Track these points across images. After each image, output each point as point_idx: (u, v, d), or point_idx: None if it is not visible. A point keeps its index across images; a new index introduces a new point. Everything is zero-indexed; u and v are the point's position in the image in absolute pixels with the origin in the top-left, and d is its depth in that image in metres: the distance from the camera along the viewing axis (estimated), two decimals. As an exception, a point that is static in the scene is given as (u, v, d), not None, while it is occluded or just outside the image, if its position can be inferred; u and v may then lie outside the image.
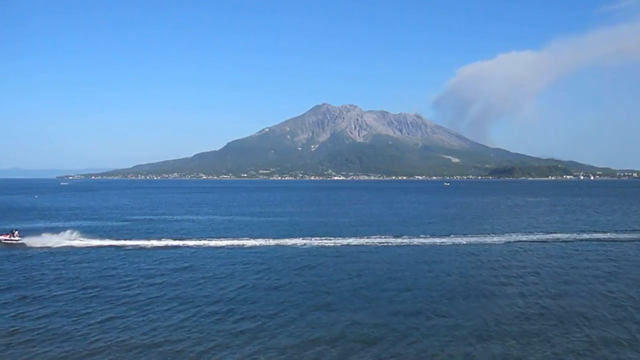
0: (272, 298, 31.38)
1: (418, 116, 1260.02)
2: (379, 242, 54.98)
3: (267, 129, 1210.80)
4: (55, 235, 55.82)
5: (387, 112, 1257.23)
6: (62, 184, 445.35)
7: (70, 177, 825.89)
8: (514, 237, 59.25)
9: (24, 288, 34.07)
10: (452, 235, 60.64)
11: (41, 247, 51.73)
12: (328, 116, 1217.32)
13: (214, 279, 36.84)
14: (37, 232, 59.43)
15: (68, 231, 58.04)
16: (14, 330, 25.08)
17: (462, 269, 40.44)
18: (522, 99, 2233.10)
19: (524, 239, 58.40)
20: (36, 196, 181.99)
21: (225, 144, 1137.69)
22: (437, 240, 56.76)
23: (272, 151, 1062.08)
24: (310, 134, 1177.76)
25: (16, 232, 56.22)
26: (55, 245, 52.62)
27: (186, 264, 42.50)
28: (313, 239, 57.62)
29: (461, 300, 30.66)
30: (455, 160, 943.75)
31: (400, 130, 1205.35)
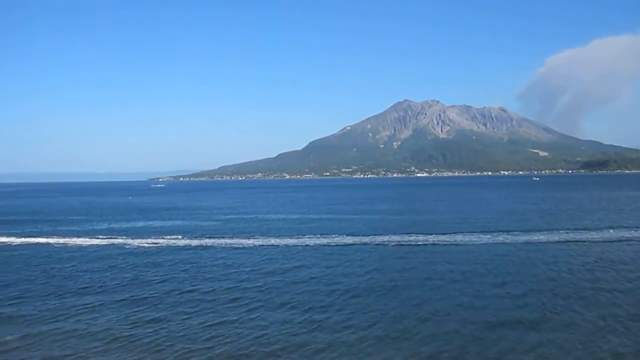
0: (372, 301, 30.54)
1: (503, 109, 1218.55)
2: (475, 240, 52.92)
3: (348, 127, 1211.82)
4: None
5: (470, 107, 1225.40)
6: (152, 186, 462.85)
7: (160, 179, 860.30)
8: (622, 234, 55.53)
9: (140, 286, 35.16)
10: (557, 231, 57.51)
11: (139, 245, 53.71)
12: (410, 112, 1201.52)
13: (319, 279, 36.21)
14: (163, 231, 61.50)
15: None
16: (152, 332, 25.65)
17: (589, 269, 38.05)
18: (618, 87, 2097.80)
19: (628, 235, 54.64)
20: (130, 197, 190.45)
21: (307, 143, 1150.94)
22: (540, 237, 53.93)
23: (354, 149, 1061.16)
24: (392, 131, 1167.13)
25: None
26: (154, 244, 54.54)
27: (289, 263, 42.31)
28: (406, 235, 56.44)
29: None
30: (543, 153, 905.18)
31: (485, 125, 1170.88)
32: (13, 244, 57.62)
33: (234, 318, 26.64)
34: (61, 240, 59.29)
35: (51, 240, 59.36)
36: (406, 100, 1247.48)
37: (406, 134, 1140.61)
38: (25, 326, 25.85)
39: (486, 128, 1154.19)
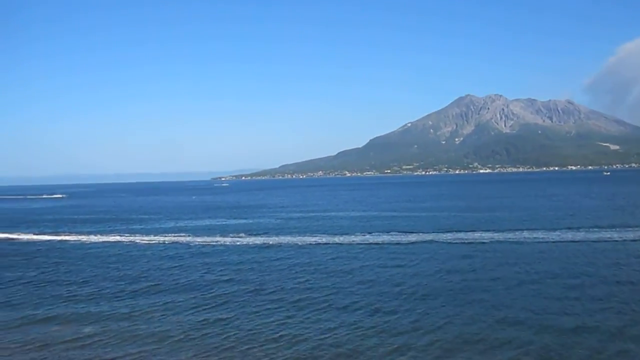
0: (441, 302, 29.68)
1: (570, 102, 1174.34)
2: (543, 237, 50.83)
3: (409, 124, 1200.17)
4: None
5: (534, 100, 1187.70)
6: (216, 185, 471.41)
7: (223, 179, 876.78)
8: None
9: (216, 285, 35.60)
10: (633, 229, 54.45)
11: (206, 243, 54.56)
12: (472, 107, 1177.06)
13: (385, 278, 35.66)
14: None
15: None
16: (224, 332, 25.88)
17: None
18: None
19: None
20: (193, 197, 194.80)
21: (368, 140, 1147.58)
22: (614, 234, 51.06)
23: (415, 146, 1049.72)
24: (454, 127, 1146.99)
25: None
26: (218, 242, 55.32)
27: (354, 261, 41.98)
28: (471, 233, 54.99)
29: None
30: (614, 147, 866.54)
31: (550, 118, 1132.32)
32: (87, 242, 59.77)
33: (301, 318, 26.48)
34: (131, 238, 61.29)
35: (122, 238, 61.41)
36: (468, 95, 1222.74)
37: (468, 129, 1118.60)
38: (101, 322, 26.54)
39: (552, 122, 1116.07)
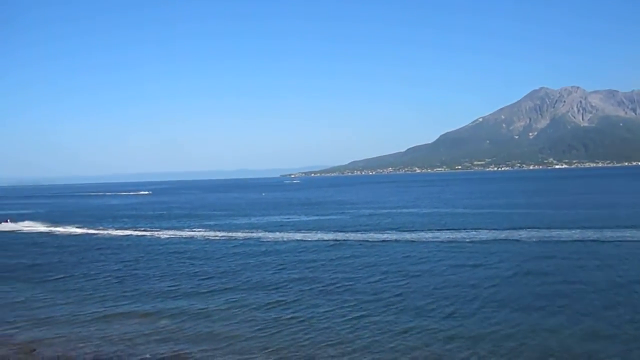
0: (520, 308, 28.49)
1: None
2: (628, 236, 48.04)
3: (480, 119, 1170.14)
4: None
5: (616, 91, 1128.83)
6: (287, 182, 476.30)
7: (292, 175, 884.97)
8: None
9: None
10: None
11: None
12: (547, 100, 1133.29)
13: (458, 279, 34.75)
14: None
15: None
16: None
17: None
18: None
19: None
20: (263, 194, 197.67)
21: (438, 136, 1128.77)
22: None
23: (487, 141, 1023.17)
24: (528, 121, 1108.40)
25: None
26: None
27: (426, 259, 41.29)
28: (547, 231, 52.84)
29: None
30: None
31: (634, 110, 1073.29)
32: (164, 237, 61.94)
33: (373, 319, 26.05)
34: (204, 234, 63.09)
35: (196, 234, 63.35)
36: (542, 87, 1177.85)
37: (543, 123, 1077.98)
38: (177, 318, 27.19)
39: (635, 114, 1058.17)
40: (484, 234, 53.35)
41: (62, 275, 40.19)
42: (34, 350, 22.80)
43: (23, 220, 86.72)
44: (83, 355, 22.06)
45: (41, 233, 72.53)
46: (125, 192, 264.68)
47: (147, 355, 21.85)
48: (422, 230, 58.72)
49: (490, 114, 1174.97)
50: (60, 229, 75.31)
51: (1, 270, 43.49)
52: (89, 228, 76.04)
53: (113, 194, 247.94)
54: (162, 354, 22.00)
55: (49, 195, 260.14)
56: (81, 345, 23.36)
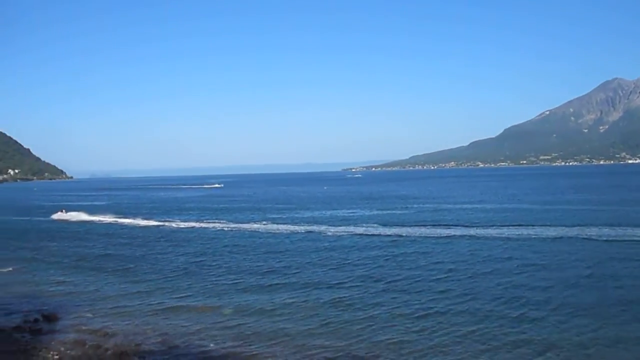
0: (595, 301, 27.24)
1: None
2: None
3: (547, 112, 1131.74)
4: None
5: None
6: (348, 176, 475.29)
7: (353, 169, 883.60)
8: None
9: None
10: None
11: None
12: (620, 92, 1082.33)
13: (529, 275, 33.70)
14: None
15: None
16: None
17: None
18: None
19: None
20: (325, 187, 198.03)
21: (502, 130, 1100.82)
22: None
23: (554, 135, 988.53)
24: (598, 114, 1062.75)
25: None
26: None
27: (492, 255, 40.18)
28: (620, 229, 50.45)
29: None
30: None
31: None
32: (227, 229, 63.06)
33: (443, 310, 25.66)
34: (267, 227, 63.87)
35: (259, 226, 64.26)
36: (616, 78, 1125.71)
37: (615, 116, 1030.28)
38: (241, 313, 27.46)
39: None
40: (553, 231, 51.40)
41: (131, 265, 41.52)
42: (106, 334, 23.73)
43: (96, 212, 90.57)
44: (149, 343, 22.65)
45: (109, 224, 75.49)
46: (198, 185, 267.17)
47: (211, 345, 22.26)
48: (488, 226, 57.23)
49: (557, 107, 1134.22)
50: (128, 221, 78.23)
51: (72, 259, 45.37)
52: (154, 220, 78.46)
53: (187, 186, 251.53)
54: (226, 346, 22.24)
55: (122, 188, 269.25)
56: (148, 333, 24.02)
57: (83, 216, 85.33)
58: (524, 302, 27.37)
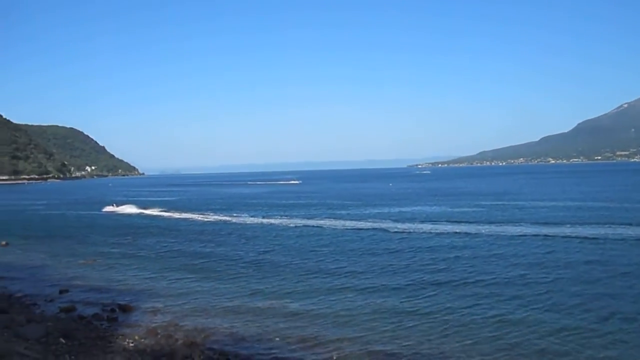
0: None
1: None
2: None
3: (625, 105, 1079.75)
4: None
5: None
6: (416, 172, 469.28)
7: (419, 166, 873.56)
8: None
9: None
10: None
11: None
12: None
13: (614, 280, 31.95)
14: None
15: None
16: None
17: None
18: None
19: None
20: (390, 184, 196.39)
21: (575, 124, 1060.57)
22: None
23: (632, 129, 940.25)
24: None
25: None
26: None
27: (572, 257, 38.28)
28: None
29: None
30: None
31: None
32: (292, 225, 63.36)
33: (519, 316, 24.45)
34: (333, 223, 63.96)
35: (325, 223, 63.97)
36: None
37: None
38: (314, 309, 27.47)
39: None
40: (635, 231, 48.67)
41: (201, 260, 42.30)
42: (177, 325, 24.40)
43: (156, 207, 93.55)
44: (217, 336, 23.13)
45: (177, 219, 77.79)
46: (273, 181, 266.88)
47: (277, 341, 22.42)
48: (562, 225, 54.76)
49: (636, 100, 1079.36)
50: (192, 216, 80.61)
51: (145, 252, 46.85)
52: (220, 215, 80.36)
53: (262, 182, 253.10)
54: (292, 346, 22.12)
55: (194, 184, 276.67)
56: (216, 326, 24.44)
57: (132, 209, 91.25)
58: (616, 315, 24.49)
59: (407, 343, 21.96)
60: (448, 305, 26.96)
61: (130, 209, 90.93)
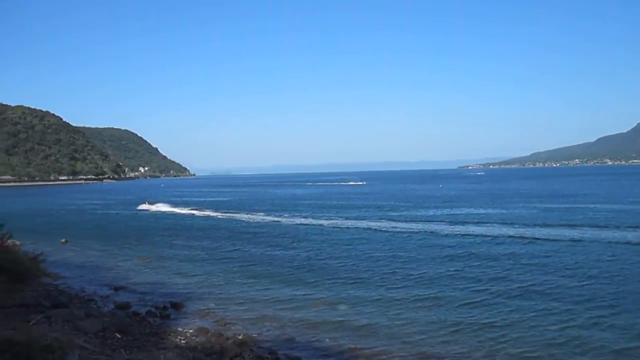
0: None
1: None
2: None
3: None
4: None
5: None
6: (471, 174, 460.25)
7: (470, 167, 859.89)
8: None
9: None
10: None
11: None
12: None
13: None
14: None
15: None
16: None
17: None
18: None
19: None
20: (440, 185, 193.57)
21: (635, 124, 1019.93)
22: None
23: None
24: None
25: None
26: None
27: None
28: None
29: None
30: None
31: None
32: (343, 227, 63.10)
33: (589, 322, 23.43)
34: (384, 225, 62.96)
35: (373, 225, 63.39)
36: None
37: None
38: (364, 311, 27.23)
39: None
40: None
41: (251, 259, 42.71)
42: (227, 324, 24.86)
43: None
44: (267, 334, 23.44)
45: (227, 219, 78.65)
46: (336, 182, 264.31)
47: (327, 340, 22.42)
48: (624, 229, 52.52)
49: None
50: (244, 216, 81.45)
51: (195, 252, 47.43)
52: (267, 215, 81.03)
53: (322, 183, 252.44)
54: (342, 342, 22.16)
55: (247, 185, 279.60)
56: (266, 325, 24.69)
57: (165, 207, 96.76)
58: None
59: (460, 343, 21.51)
60: (506, 309, 26.08)
61: (163, 207, 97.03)
